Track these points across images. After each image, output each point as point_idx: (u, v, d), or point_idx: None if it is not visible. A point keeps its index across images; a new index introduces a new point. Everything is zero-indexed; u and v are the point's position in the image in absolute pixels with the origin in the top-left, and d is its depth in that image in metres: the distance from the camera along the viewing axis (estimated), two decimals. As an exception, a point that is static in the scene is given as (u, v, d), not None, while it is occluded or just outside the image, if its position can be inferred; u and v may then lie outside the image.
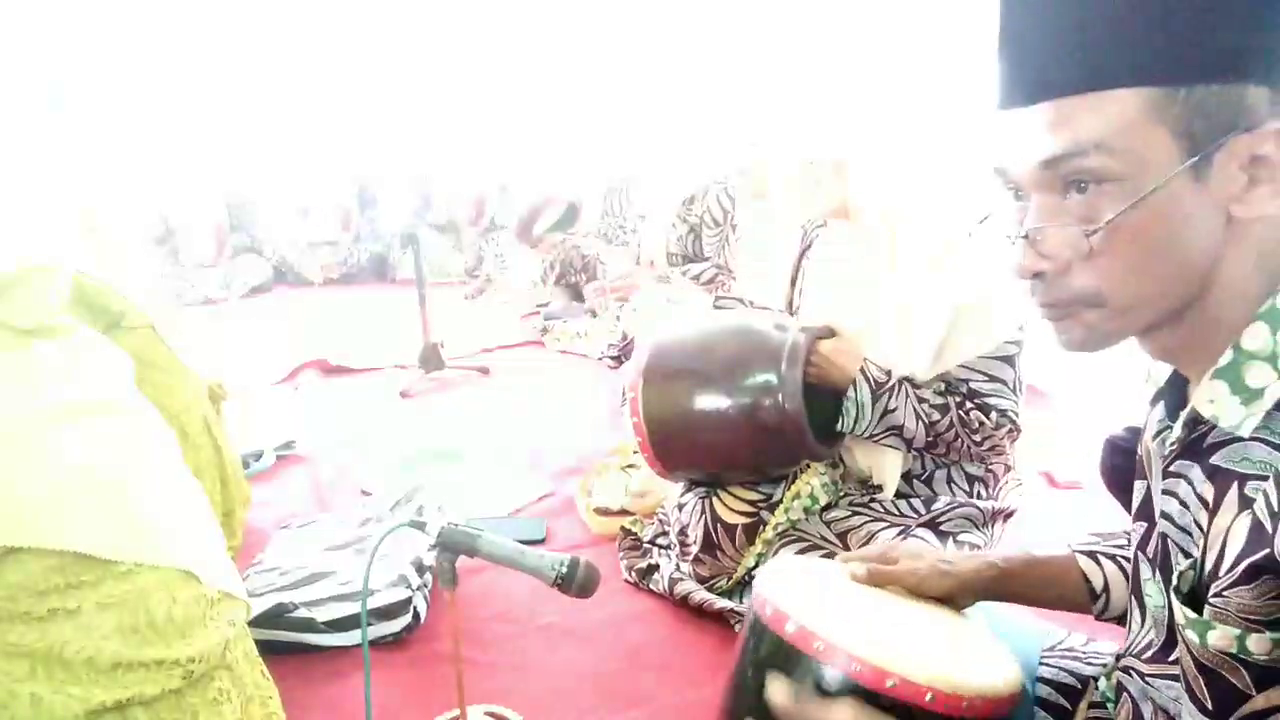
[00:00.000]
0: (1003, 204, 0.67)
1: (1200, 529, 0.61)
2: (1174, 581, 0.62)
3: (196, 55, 5.04)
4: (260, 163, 5.83)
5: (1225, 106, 0.55)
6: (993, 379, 1.46)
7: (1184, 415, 0.62)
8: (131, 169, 4.94)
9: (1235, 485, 0.57)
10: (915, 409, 1.44)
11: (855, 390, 1.44)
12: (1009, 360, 1.46)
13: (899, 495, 1.55)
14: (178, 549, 0.87)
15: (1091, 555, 0.87)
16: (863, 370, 1.44)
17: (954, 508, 1.53)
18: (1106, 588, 0.85)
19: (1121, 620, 0.83)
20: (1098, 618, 0.87)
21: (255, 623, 1.47)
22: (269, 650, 1.42)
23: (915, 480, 1.58)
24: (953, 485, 1.58)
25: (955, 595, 0.84)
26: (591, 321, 3.54)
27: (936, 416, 1.43)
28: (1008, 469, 1.65)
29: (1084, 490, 2.10)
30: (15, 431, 0.78)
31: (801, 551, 1.49)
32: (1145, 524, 0.71)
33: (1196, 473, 0.61)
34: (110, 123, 4.85)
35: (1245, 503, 0.56)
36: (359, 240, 4.83)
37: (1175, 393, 0.68)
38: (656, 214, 3.21)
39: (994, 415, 1.44)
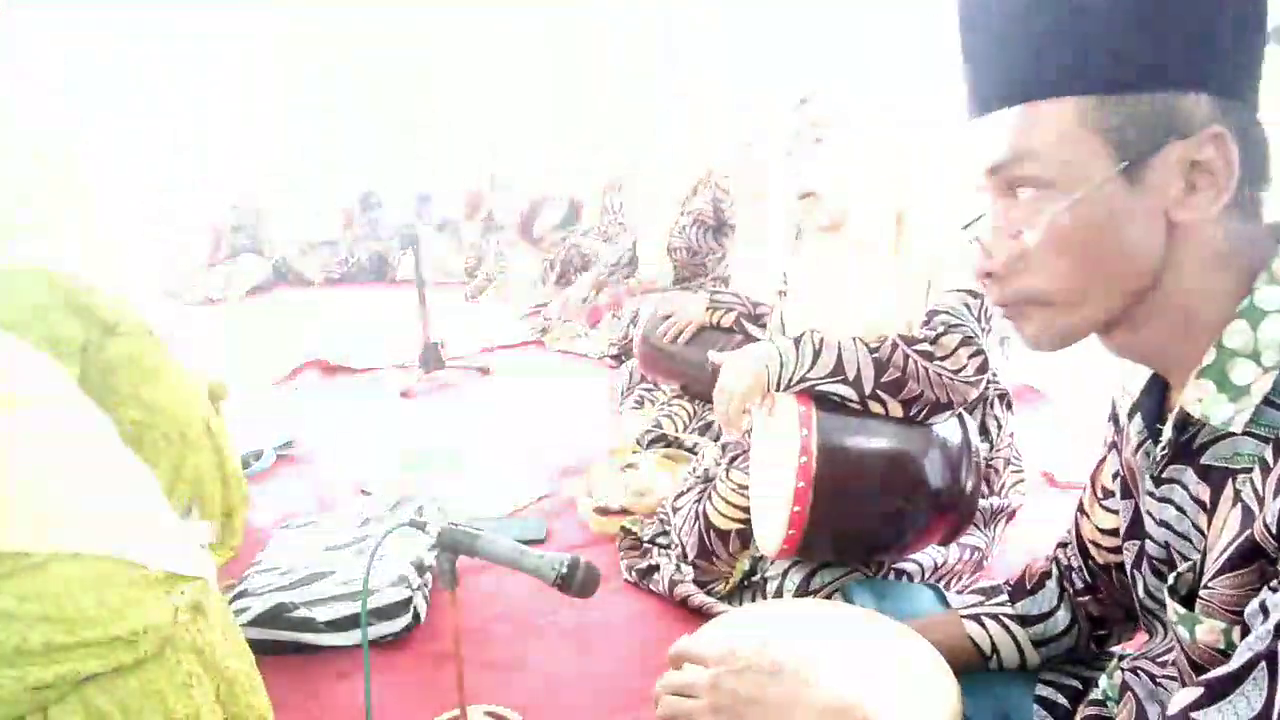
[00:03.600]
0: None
1: (1200, 532, 0.61)
2: (1170, 582, 0.63)
3: (197, 56, 5.04)
4: (261, 163, 5.84)
5: (1158, 115, 0.56)
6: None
7: (1172, 417, 0.63)
8: (132, 167, 4.95)
9: (1230, 482, 0.58)
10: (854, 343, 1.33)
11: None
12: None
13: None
14: (104, 536, 0.88)
15: (976, 619, 0.91)
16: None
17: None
18: (995, 649, 0.90)
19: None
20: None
21: (255, 622, 1.48)
22: (269, 650, 1.43)
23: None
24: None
25: None
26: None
27: (875, 344, 1.32)
28: (1008, 462, 1.65)
29: (1084, 490, 2.10)
30: None
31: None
32: (1137, 542, 0.72)
33: (1190, 475, 0.62)
34: (111, 120, 4.86)
35: (1238, 496, 0.57)
36: (359, 240, 4.82)
37: (1153, 403, 0.69)
38: (655, 210, 3.21)
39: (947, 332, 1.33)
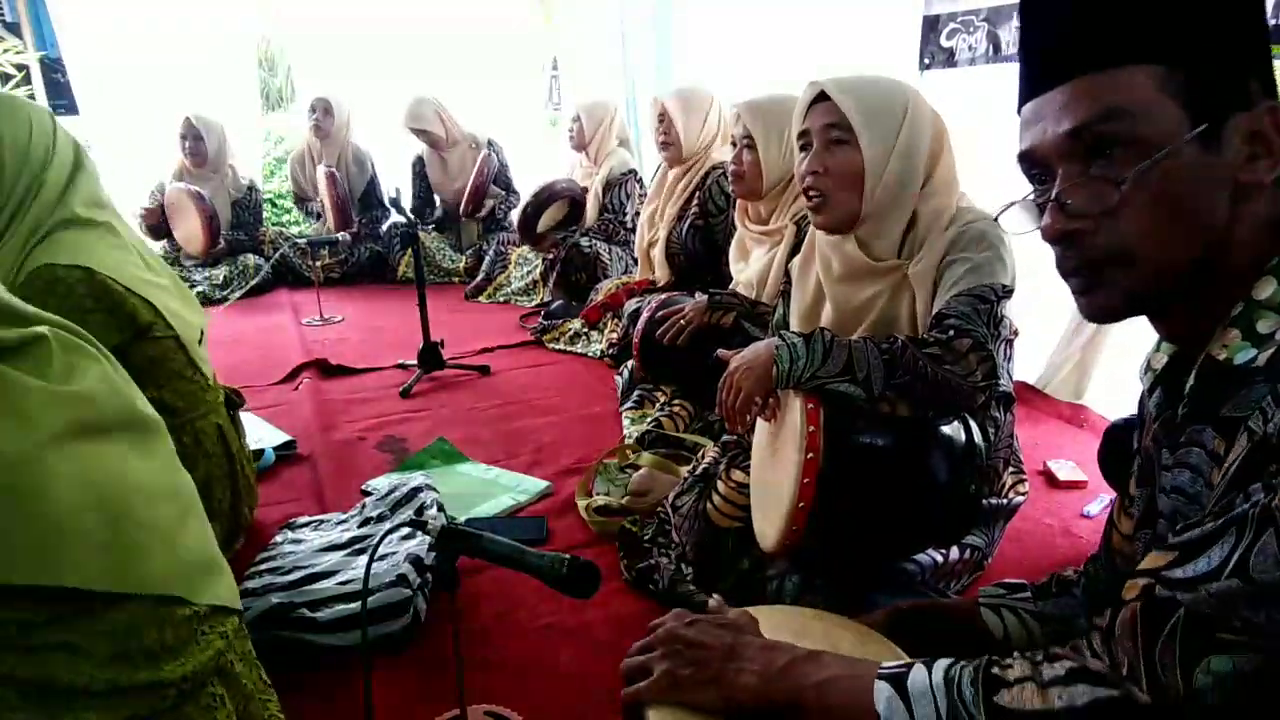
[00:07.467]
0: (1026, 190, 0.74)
1: (1211, 488, 0.63)
2: (1178, 527, 0.64)
3: (197, 50, 5.04)
4: (260, 161, 5.84)
5: (1226, 86, 0.62)
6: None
7: (1197, 366, 0.66)
8: (133, 167, 4.95)
9: (1243, 428, 0.60)
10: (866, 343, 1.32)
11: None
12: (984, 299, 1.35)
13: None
14: (165, 574, 0.86)
15: (995, 608, 0.93)
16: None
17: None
18: (1008, 639, 0.92)
19: None
20: None
21: (255, 623, 1.47)
22: (269, 650, 1.42)
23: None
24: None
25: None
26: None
27: (886, 345, 1.30)
28: (1007, 463, 1.65)
29: (1085, 490, 2.10)
30: (3, 468, 0.75)
31: None
32: (1149, 531, 0.72)
33: (1208, 434, 0.64)
34: (111, 120, 4.85)
35: (1248, 431, 0.59)
36: (359, 240, 4.82)
37: (1175, 379, 0.71)
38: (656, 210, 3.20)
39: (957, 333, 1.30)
